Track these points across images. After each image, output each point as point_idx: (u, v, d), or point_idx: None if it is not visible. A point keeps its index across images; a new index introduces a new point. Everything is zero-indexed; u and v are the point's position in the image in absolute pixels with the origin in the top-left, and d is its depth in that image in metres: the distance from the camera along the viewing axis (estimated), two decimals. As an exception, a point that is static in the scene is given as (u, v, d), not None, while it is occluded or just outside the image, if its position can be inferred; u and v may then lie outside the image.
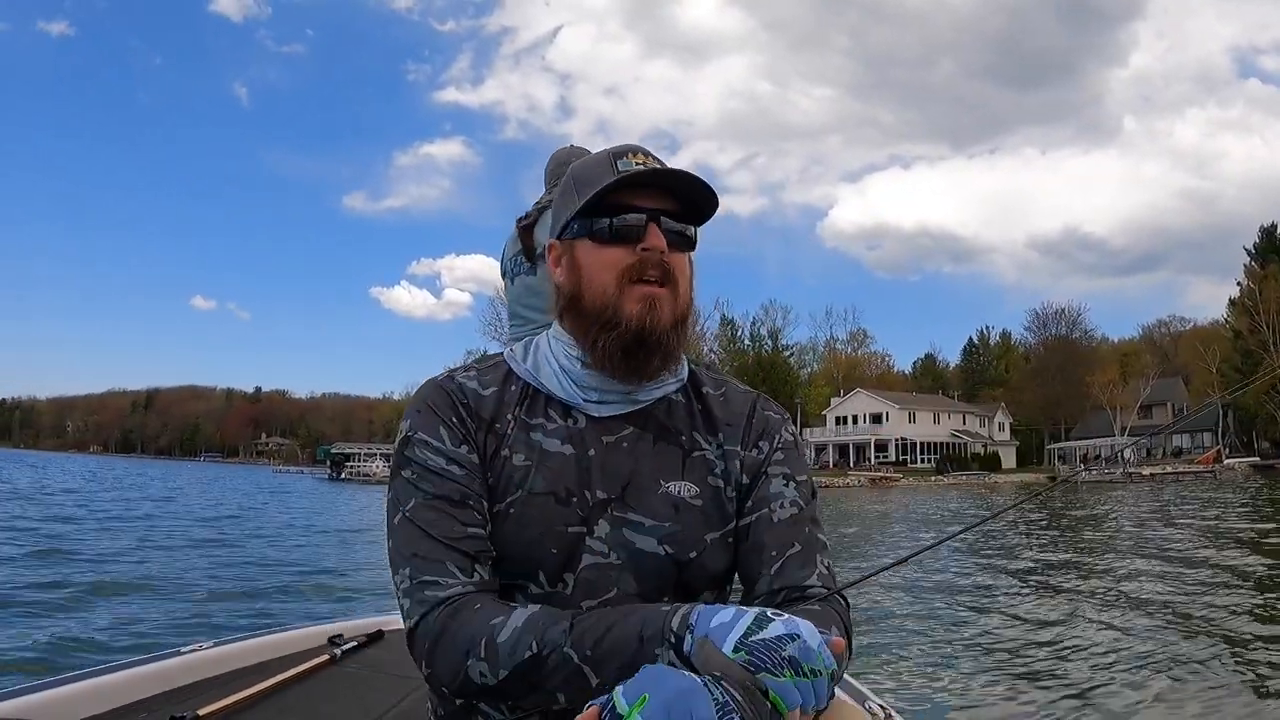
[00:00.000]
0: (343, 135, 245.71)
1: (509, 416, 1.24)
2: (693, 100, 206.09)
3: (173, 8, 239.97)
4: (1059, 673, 6.19)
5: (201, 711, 2.00)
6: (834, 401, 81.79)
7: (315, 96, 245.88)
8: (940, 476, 65.43)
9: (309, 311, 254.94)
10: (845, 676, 1.17)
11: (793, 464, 1.30)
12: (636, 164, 1.19)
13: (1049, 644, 7.15)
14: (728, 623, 0.94)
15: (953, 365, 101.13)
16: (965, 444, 75.66)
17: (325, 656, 2.57)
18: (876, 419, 76.89)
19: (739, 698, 0.88)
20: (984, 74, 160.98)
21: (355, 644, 2.70)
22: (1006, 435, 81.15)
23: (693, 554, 1.20)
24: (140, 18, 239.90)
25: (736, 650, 0.91)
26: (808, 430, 79.96)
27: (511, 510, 1.18)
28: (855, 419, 78.97)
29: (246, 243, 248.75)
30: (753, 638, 0.92)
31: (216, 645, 2.50)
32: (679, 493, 1.22)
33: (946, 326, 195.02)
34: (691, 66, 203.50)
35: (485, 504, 1.19)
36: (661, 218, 1.20)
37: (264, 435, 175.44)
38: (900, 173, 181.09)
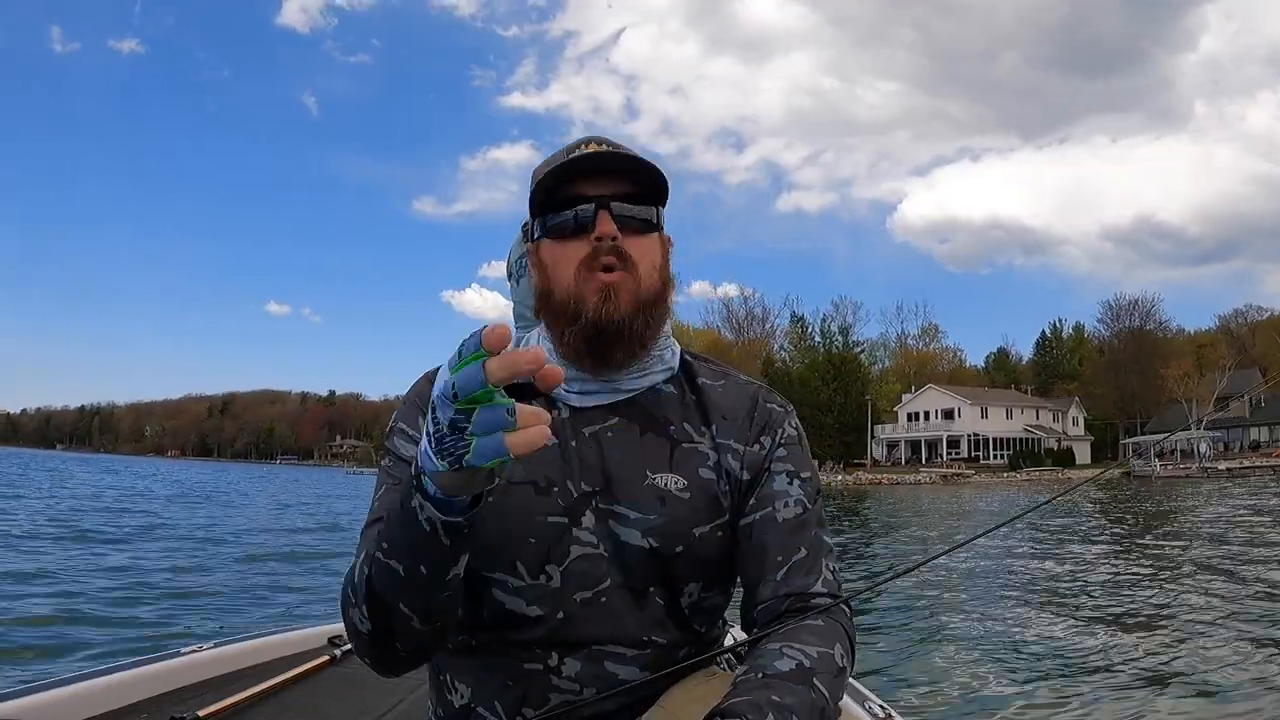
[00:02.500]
0: (411, 142, 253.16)
1: None
2: (757, 97, 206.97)
3: (240, 22, 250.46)
4: (1065, 676, 6.14)
5: (201, 712, 2.02)
6: (905, 398, 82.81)
7: (383, 104, 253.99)
8: (1013, 473, 66.16)
9: (381, 315, 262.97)
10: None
11: (797, 460, 1.27)
12: (588, 153, 1.20)
13: (1058, 646, 7.11)
14: (424, 450, 0.91)
15: (1025, 359, 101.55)
16: (1039, 439, 76.45)
17: (325, 657, 2.61)
18: (948, 415, 77.96)
19: None
20: (1051, 63, 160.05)
21: None
22: (1081, 430, 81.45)
23: (679, 547, 1.19)
24: (208, 33, 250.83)
25: (442, 462, 0.88)
26: (879, 427, 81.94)
27: (490, 498, 1.08)
28: (927, 415, 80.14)
29: (319, 249, 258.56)
30: (433, 445, 0.88)
31: (216, 646, 2.53)
32: (665, 485, 1.20)
33: (1019, 320, 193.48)
34: (755, 64, 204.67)
35: None
36: (612, 203, 1.19)
37: (338, 438, 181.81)
38: (970, 165, 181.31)
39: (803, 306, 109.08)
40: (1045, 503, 1.89)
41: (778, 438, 1.27)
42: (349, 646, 2.64)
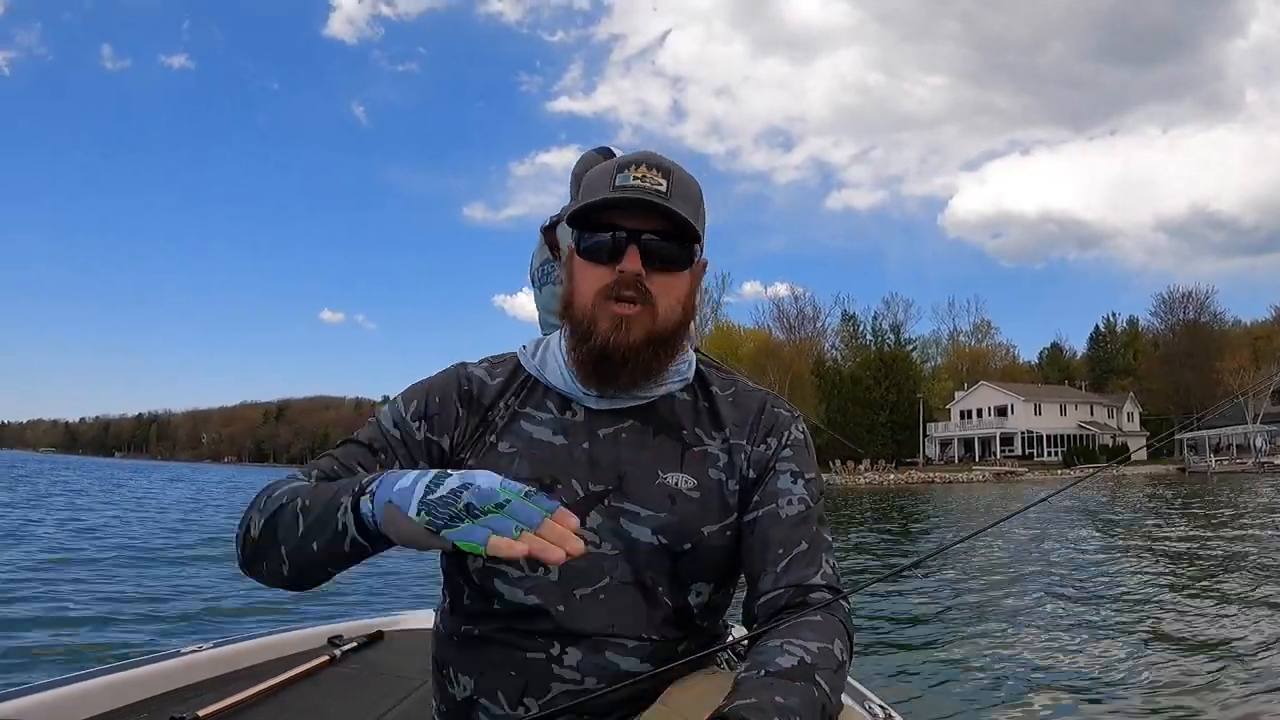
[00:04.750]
0: (460, 148, 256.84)
1: (503, 405, 1.32)
2: (804, 96, 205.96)
3: (288, 34, 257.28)
4: (1067, 677, 6.09)
5: (201, 712, 2.02)
6: (958, 395, 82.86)
7: (431, 112, 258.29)
8: (1067, 470, 65.31)
9: (434, 320, 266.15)
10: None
11: (801, 461, 1.33)
12: (636, 178, 1.23)
13: (1064, 650, 6.99)
14: (408, 487, 0.98)
15: (1079, 355, 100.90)
16: (1093, 436, 75.40)
17: (325, 657, 2.62)
18: (1001, 412, 77.82)
19: None
20: (1099, 53, 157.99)
21: (355, 644, 2.74)
22: (1136, 426, 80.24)
23: (687, 545, 1.25)
24: (256, 46, 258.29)
25: (419, 513, 0.95)
26: (931, 425, 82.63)
27: None
28: (980, 412, 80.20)
29: (372, 256, 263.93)
30: (430, 497, 0.95)
31: (216, 646, 2.53)
32: (676, 484, 1.26)
33: (1072, 315, 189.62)
34: (801, 62, 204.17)
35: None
36: (645, 237, 1.23)
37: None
38: (1020, 158, 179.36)
39: (854, 305, 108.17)
40: (1039, 501, 2.05)
41: (784, 439, 1.35)
42: (349, 647, 2.72)
